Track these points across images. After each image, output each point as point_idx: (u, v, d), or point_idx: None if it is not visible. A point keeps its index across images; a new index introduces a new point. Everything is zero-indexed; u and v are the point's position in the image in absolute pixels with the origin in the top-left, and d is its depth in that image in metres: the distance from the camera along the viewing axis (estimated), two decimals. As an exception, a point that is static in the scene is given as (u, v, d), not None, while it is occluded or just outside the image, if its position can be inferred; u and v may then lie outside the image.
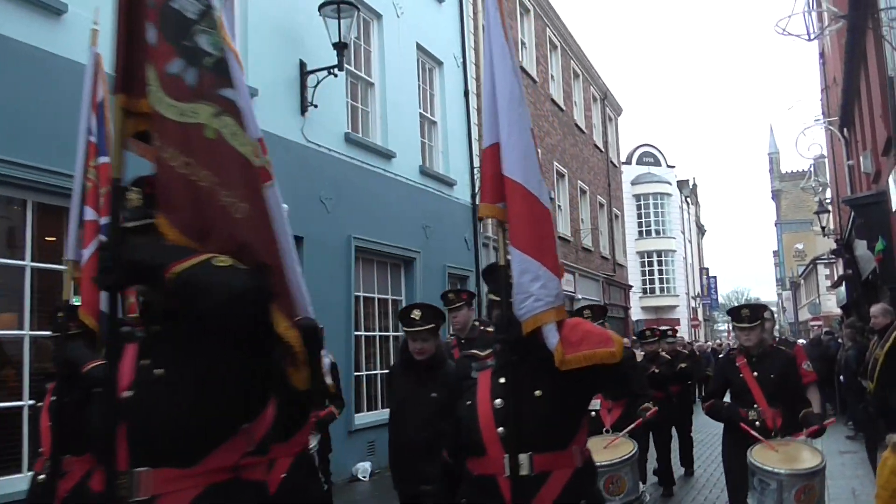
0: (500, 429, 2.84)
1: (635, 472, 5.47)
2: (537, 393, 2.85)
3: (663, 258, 42.82)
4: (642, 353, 9.53)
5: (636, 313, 36.03)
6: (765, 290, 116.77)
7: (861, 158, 14.81)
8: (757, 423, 5.29)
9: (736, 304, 6.66)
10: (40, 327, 6.66)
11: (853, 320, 13.04)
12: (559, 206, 21.23)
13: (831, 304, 39.11)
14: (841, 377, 13.34)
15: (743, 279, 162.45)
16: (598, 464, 5.21)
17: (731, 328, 6.19)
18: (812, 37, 10.47)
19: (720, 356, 8.79)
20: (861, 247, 15.09)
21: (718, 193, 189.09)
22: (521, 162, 2.94)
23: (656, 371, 8.84)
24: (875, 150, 12.94)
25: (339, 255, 10.75)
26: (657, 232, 42.63)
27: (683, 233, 47.90)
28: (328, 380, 4.39)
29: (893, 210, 9.85)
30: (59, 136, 6.45)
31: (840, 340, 14.64)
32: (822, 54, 23.38)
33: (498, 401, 2.90)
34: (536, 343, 2.83)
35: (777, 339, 7.08)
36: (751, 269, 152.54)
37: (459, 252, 14.28)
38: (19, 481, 6.27)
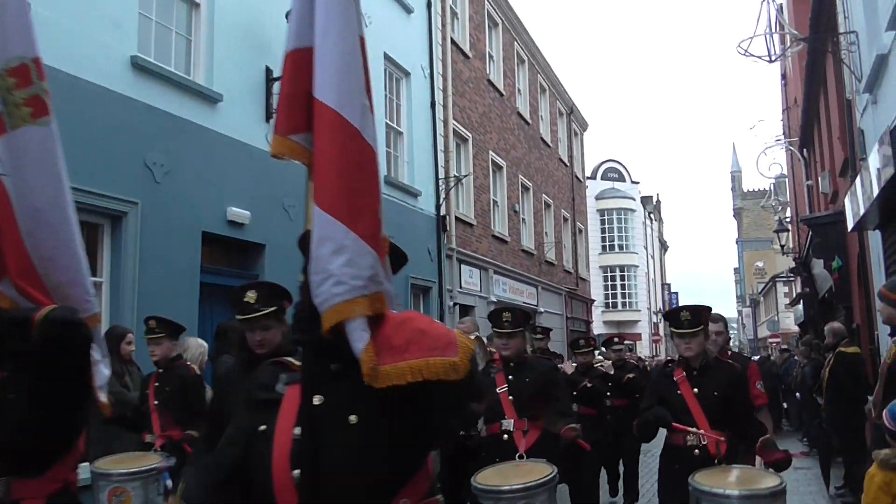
0: (296, 472, 1.94)
1: (553, 502, 4.38)
2: (352, 419, 1.98)
3: (626, 273, 43.16)
4: (574, 364, 8.76)
5: (598, 327, 36.20)
6: (725, 306, 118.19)
7: (819, 179, 15.10)
8: (696, 450, 4.52)
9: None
10: None
11: (809, 338, 13.23)
12: (523, 220, 21.34)
13: (789, 321, 39.76)
14: (797, 394, 13.53)
15: (704, 295, 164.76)
16: (509, 488, 4.10)
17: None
18: (773, 58, 10.64)
19: (654, 368, 7.91)
20: (818, 265, 15.38)
21: (681, 210, 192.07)
22: (338, 79, 2.08)
23: (589, 385, 8.00)
24: (833, 170, 13.19)
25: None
26: (620, 247, 42.95)
27: (646, 248, 48.36)
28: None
29: (850, 230, 10.03)
30: None
31: (796, 358, 14.88)
32: (783, 76, 23.80)
33: (297, 429, 2.00)
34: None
35: (730, 352, 6.53)
36: (712, 286, 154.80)
37: (422, 263, 14.23)
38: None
